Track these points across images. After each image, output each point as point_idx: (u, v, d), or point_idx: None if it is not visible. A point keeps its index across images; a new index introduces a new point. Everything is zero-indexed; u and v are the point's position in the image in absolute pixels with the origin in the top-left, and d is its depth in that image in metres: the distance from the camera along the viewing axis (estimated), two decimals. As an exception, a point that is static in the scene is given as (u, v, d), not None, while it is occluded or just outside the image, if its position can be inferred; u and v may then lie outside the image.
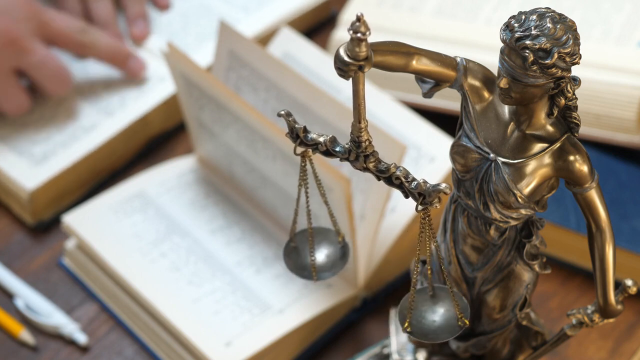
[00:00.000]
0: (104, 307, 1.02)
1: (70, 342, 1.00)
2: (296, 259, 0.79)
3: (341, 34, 1.13)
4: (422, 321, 0.74)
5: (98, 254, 1.01)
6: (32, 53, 1.08)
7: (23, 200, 1.07)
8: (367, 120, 0.68)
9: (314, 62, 1.08)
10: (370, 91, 1.02)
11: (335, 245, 0.80)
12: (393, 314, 0.94)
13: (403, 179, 0.69)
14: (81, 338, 0.99)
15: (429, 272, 0.74)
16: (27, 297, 1.02)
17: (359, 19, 0.62)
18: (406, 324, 0.74)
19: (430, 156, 1.01)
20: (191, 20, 1.21)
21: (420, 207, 0.69)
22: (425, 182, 0.69)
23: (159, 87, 1.15)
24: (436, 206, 0.69)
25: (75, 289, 1.04)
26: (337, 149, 0.71)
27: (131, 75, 1.14)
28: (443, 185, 0.68)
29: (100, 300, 1.03)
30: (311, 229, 0.78)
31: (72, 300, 1.03)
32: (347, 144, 0.70)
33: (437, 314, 0.75)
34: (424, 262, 0.77)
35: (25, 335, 1.00)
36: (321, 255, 0.79)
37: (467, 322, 0.74)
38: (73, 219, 1.03)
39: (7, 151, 1.09)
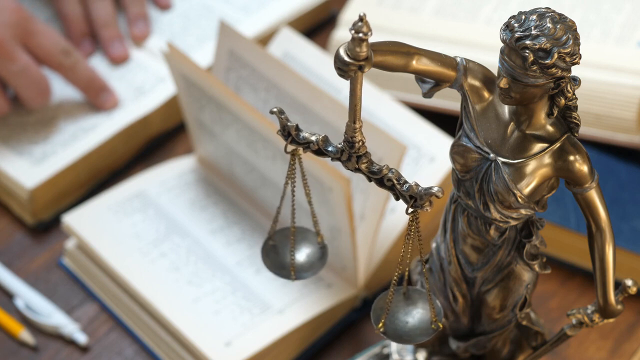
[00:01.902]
0: (104, 307, 1.02)
1: (70, 342, 1.00)
2: (275, 257, 0.79)
3: (341, 34, 1.13)
4: (396, 322, 0.74)
5: (98, 254, 1.01)
6: (14, 60, 1.06)
7: (23, 199, 1.07)
8: (362, 121, 0.68)
9: (314, 62, 1.08)
10: (370, 91, 1.02)
11: (314, 245, 0.80)
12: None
13: (395, 181, 0.69)
14: (81, 338, 0.99)
15: (407, 274, 0.74)
16: (27, 297, 1.02)
17: (361, 19, 0.62)
18: (380, 324, 0.74)
19: (430, 156, 1.01)
20: (191, 20, 1.21)
21: (410, 210, 0.69)
22: (417, 184, 0.69)
23: (159, 87, 1.15)
24: (427, 209, 0.69)
25: (75, 289, 1.04)
26: (330, 148, 0.71)
27: (99, 107, 1.12)
28: (435, 188, 0.68)
29: (100, 300, 1.03)
30: (294, 227, 0.78)
31: (72, 300, 1.03)
32: (339, 144, 0.70)
33: (411, 316, 0.74)
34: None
35: (25, 335, 1.00)
36: (301, 255, 0.79)
37: (441, 325, 0.74)
38: (73, 219, 1.03)
39: (7, 151, 1.09)
